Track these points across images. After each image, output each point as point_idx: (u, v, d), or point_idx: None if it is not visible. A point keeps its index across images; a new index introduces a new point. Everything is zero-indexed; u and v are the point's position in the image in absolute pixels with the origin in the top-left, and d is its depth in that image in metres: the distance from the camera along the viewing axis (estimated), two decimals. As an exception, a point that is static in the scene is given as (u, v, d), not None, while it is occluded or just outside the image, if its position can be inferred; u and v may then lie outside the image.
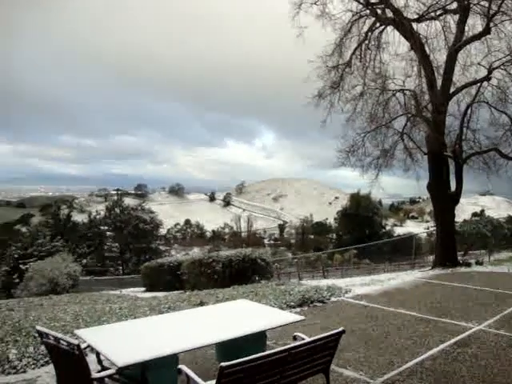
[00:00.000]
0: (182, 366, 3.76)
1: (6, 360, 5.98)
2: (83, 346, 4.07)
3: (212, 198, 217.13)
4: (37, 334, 6.76)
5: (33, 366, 5.95)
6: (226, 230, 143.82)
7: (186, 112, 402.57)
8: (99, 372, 4.07)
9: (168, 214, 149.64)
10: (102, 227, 55.15)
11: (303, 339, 4.08)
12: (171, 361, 4.12)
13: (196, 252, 55.71)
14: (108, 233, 55.06)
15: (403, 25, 15.52)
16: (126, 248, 53.72)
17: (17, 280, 29.81)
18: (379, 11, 16.41)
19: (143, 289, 21.99)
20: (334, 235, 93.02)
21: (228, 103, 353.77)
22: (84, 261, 47.83)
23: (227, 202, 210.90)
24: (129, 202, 66.15)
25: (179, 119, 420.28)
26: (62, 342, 3.87)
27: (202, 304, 9.05)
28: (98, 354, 4.51)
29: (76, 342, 3.71)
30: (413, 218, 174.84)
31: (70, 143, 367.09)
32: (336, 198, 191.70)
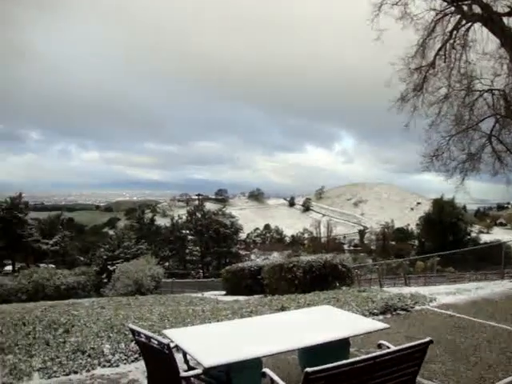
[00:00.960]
0: (266, 370, 3.82)
1: (102, 354, 6.41)
2: (171, 345, 4.26)
3: (291, 203, 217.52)
4: (128, 332, 7.19)
5: (124, 362, 6.30)
6: (306, 235, 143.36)
7: (266, 117, 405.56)
8: (186, 371, 4.24)
9: (248, 219, 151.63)
10: (183, 231, 56.70)
11: (388, 348, 4.03)
12: (255, 364, 4.21)
13: (275, 257, 55.84)
14: (189, 237, 56.51)
15: (492, 20, 14.80)
16: (206, 252, 54.92)
17: (105, 280, 31.26)
18: (465, 8, 15.77)
19: (223, 292, 22.35)
20: (416, 242, 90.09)
21: (307, 108, 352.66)
22: (166, 263, 49.52)
23: (307, 207, 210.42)
24: (210, 206, 67.72)
25: (259, 125, 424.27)
26: (152, 340, 4.08)
27: (283, 309, 9.12)
28: (184, 354, 4.67)
29: (166, 341, 3.90)
30: (501, 224, 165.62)
31: (153, 150, 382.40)
32: (418, 203, 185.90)
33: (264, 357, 4.20)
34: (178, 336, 4.62)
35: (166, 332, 4.91)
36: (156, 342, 4.01)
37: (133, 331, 4.45)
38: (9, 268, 47.06)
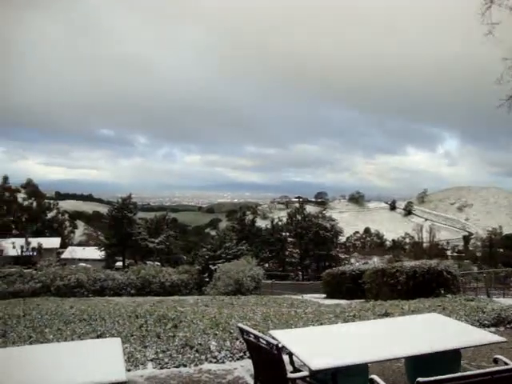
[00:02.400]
0: (374, 376, 3.73)
1: (208, 350, 6.69)
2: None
3: (393, 207, 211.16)
4: (233, 330, 7.42)
5: (230, 359, 6.52)
6: (407, 240, 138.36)
7: (365, 119, 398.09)
8: (292, 373, 4.31)
9: (347, 222, 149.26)
10: (283, 233, 56.87)
11: (507, 364, 3.82)
12: (362, 370, 4.18)
13: (376, 261, 54.46)
14: (289, 239, 56.59)
15: None
16: (305, 254, 54.76)
17: (207, 279, 32.12)
18: None
19: (323, 295, 22.24)
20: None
21: (408, 108, 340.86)
22: (266, 265, 49.96)
23: (408, 211, 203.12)
24: (309, 209, 67.55)
25: (358, 126, 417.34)
26: (261, 340, 4.20)
27: (386, 315, 8.93)
28: (290, 355, 4.74)
29: (275, 342, 4.00)
30: None
31: (253, 153, 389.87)
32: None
33: (370, 363, 4.17)
34: (283, 337, 4.68)
35: (272, 332, 5.01)
36: (265, 342, 4.12)
37: (241, 330, 4.60)
38: (119, 264, 50.14)
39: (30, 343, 7.29)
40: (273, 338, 4.55)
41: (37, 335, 7.86)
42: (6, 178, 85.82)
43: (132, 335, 7.45)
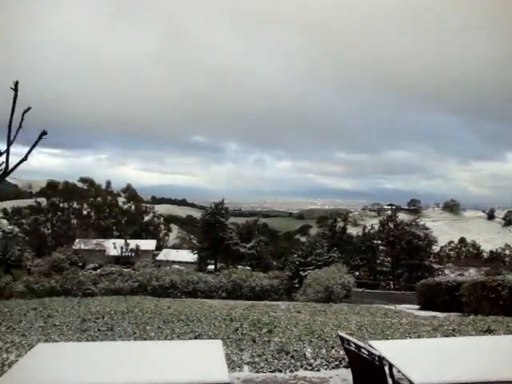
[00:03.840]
0: None
1: (304, 357, 6.67)
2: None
3: (490, 216, 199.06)
4: (328, 338, 7.37)
5: (325, 367, 6.45)
6: (507, 252, 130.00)
7: (459, 125, 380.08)
8: (393, 385, 4.20)
9: (442, 231, 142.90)
10: (374, 241, 55.62)
11: None
12: (468, 388, 3.99)
13: (472, 273, 51.71)
14: (381, 247, 55.24)
15: None
16: (397, 263, 53.20)
17: (297, 285, 32.12)
18: None
19: (416, 306, 21.47)
20: None
21: (508, 112, 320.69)
22: (356, 273, 49.09)
23: (508, 221, 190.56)
24: (402, 217, 65.51)
25: (452, 131, 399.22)
26: (362, 350, 4.13)
27: (490, 331, 8.42)
28: (390, 368, 4.61)
29: (377, 352, 3.92)
30: None
31: (343, 159, 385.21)
32: None
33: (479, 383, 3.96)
34: (383, 348, 4.58)
35: (371, 343, 4.90)
36: (366, 352, 4.05)
37: (342, 338, 4.55)
38: (211, 267, 51.38)
39: (134, 339, 7.69)
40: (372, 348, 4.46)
41: (140, 331, 8.27)
42: (108, 183, 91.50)
43: (228, 338, 7.62)
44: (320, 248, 38.79)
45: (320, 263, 35.17)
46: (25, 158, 6.14)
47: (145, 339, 7.64)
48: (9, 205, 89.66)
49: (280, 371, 6.32)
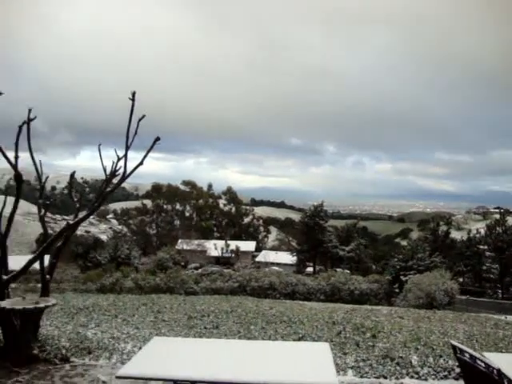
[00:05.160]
0: None
1: (410, 364, 6.50)
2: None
3: None
4: (435, 347, 7.13)
5: (433, 376, 6.22)
6: None
7: None
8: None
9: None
10: (480, 246, 52.74)
11: None
12: None
13: None
14: (487, 253, 52.26)
15: None
16: (506, 270, 50.03)
17: (397, 290, 31.30)
18: None
19: (530, 318, 20.08)
20: None
21: None
22: (460, 279, 46.87)
23: None
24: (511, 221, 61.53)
25: None
26: (478, 361, 3.96)
27: None
28: (509, 383, 4.40)
29: (496, 365, 3.74)
30: None
31: (445, 160, 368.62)
32: None
33: None
34: (499, 361, 4.35)
35: (486, 355, 4.69)
36: (483, 365, 3.88)
37: (454, 348, 4.39)
38: (309, 269, 51.39)
39: (239, 338, 7.91)
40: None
41: (244, 331, 8.50)
42: (210, 186, 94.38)
43: (332, 341, 7.60)
44: (422, 252, 37.49)
45: (421, 268, 34.03)
46: (141, 163, 6.52)
47: (249, 339, 7.83)
48: (118, 206, 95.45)
49: (385, 378, 6.20)
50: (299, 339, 7.84)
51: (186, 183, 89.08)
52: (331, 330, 8.58)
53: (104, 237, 68.55)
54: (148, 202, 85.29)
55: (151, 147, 6.63)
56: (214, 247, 62.04)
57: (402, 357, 6.75)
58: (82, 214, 7.10)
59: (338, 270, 43.12)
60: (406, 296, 25.26)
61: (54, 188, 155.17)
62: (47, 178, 7.51)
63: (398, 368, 6.41)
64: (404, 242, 68.10)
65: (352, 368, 6.45)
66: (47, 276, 7.07)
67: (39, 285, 21.43)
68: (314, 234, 51.76)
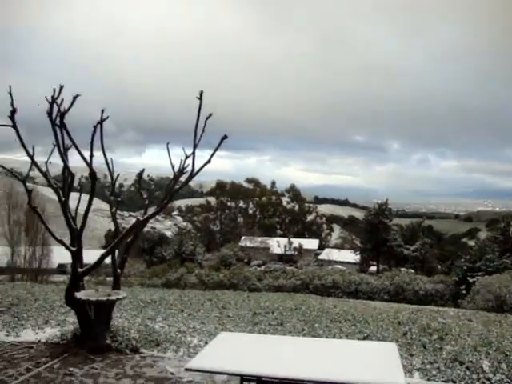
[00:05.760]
0: None
1: (481, 370, 6.27)
2: None
3: None
4: (508, 352, 6.88)
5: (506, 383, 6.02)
6: None
7: None
8: None
9: None
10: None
11: None
12: None
13: None
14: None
15: None
16: None
17: (464, 291, 30.32)
18: None
19: None
20: None
21: None
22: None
23: None
24: None
25: None
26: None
27: None
28: None
29: None
30: None
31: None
32: None
33: None
34: None
35: None
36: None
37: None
38: (373, 268, 50.68)
39: (304, 335, 7.95)
40: None
41: (308, 328, 8.54)
42: (273, 183, 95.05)
43: (397, 341, 7.48)
44: (491, 253, 36.06)
45: (490, 269, 32.76)
46: (209, 161, 6.68)
47: (313, 336, 7.85)
48: (183, 203, 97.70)
49: (454, 382, 6.02)
50: (364, 338, 7.78)
51: (249, 181, 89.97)
52: (396, 331, 8.46)
53: (169, 233, 70.48)
54: (212, 200, 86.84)
55: (219, 145, 6.75)
56: (277, 244, 62.35)
57: (471, 361, 6.54)
58: (149, 211, 7.36)
59: (402, 269, 42.28)
60: (474, 298, 24.43)
61: (121, 185, 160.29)
62: (118, 175, 7.81)
63: (467, 373, 6.20)
64: (471, 242, 65.63)
65: (419, 370, 6.32)
66: (118, 270, 7.38)
67: (107, 278, 22.33)
68: (378, 232, 51.01)
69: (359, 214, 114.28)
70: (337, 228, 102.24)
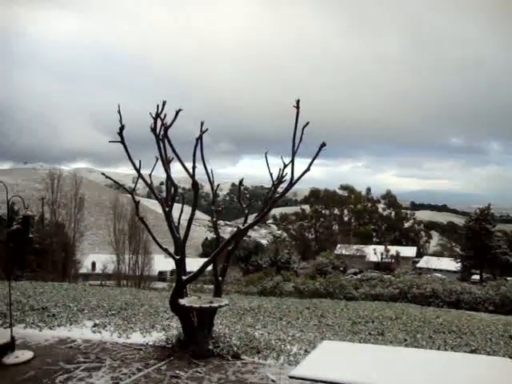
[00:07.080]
0: None
1: None
2: None
3: None
4: None
5: None
6: None
7: None
8: None
9: None
10: None
11: None
12: None
13: None
14: None
15: None
16: None
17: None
18: None
19: None
20: None
21: None
22: None
23: None
24: None
25: None
26: None
27: None
28: None
29: None
30: None
31: None
32: None
33: None
34: None
35: None
36: None
37: None
38: (475, 277, 48.03)
39: (405, 346, 7.69)
40: None
41: (410, 339, 8.26)
42: (368, 190, 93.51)
43: (510, 357, 7.04)
44: None
45: None
46: (308, 169, 6.67)
47: (416, 347, 7.59)
48: (277, 211, 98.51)
49: None
50: (471, 352, 7.37)
51: (343, 188, 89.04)
52: (508, 345, 7.94)
53: (264, 241, 71.27)
54: (306, 207, 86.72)
55: (317, 153, 6.71)
56: (374, 252, 61.21)
57: None
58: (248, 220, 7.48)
59: (508, 278, 39.72)
60: None
61: (217, 195, 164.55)
62: (218, 185, 8.04)
63: None
64: None
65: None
66: (219, 278, 7.57)
67: (205, 285, 22.98)
68: (481, 239, 48.33)
69: (459, 220, 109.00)
70: (435, 235, 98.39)
